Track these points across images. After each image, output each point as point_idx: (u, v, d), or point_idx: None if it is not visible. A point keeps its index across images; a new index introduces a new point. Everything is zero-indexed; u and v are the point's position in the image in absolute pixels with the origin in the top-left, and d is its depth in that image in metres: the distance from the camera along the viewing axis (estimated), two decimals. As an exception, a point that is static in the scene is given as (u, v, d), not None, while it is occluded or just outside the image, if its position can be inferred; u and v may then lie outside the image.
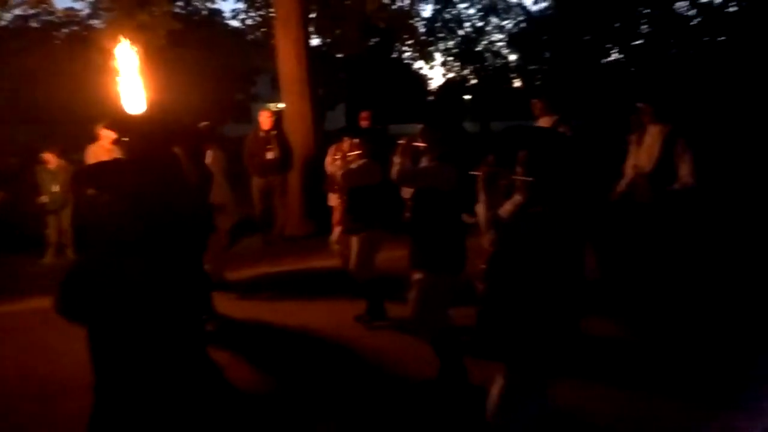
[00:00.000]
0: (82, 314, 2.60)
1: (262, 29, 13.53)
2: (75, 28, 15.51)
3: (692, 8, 22.01)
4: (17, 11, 13.56)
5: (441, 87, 36.76)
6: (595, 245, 5.24)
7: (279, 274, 6.81)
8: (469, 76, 33.83)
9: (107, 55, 3.14)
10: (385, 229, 4.99)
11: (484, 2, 31.57)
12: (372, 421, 3.62)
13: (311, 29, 10.44)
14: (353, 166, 4.88)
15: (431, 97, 38.66)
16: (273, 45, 9.37)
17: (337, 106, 27.01)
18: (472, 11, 31.90)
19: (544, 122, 5.91)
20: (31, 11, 14.29)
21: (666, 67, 21.10)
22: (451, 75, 33.88)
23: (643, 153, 4.84)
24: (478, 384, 3.68)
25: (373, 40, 21.43)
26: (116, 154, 3.14)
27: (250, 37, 15.73)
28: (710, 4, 20.96)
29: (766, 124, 16.83)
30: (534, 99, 6.20)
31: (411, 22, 13.16)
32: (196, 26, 17.29)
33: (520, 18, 31.11)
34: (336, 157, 5.32)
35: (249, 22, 14.69)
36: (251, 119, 14.37)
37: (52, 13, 14.24)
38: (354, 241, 4.92)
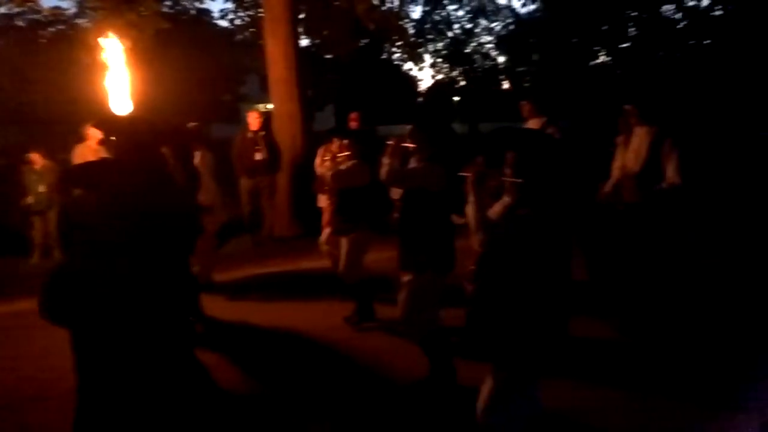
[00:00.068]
0: (65, 316, 2.57)
1: (251, 29, 13.49)
2: (61, 27, 15.37)
3: (679, 12, 22.23)
4: (2, 9, 13.44)
5: (430, 88, 36.87)
6: (583, 246, 5.30)
7: (267, 275, 6.78)
8: (458, 78, 33.98)
9: (94, 54, 3.12)
10: (373, 230, 4.99)
11: (473, 4, 31.71)
12: (361, 422, 3.62)
13: (300, 30, 10.42)
14: (342, 167, 4.87)
15: (420, 99, 38.75)
16: (262, 45, 9.35)
17: (326, 107, 27.01)
18: (461, 13, 32.10)
19: (532, 124, 5.94)
20: (17, 10, 14.14)
21: (653, 70, 21.29)
22: (440, 76, 34.04)
23: (630, 154, 4.88)
24: (468, 385, 3.70)
25: (363, 41, 21.43)
26: (103, 154, 3.11)
27: (239, 37, 15.67)
28: (696, 8, 21.19)
29: (749, 125, 17.06)
30: (523, 101, 6.23)
31: (400, 23, 13.19)
32: (185, 26, 17.20)
33: (509, 20, 31.30)
34: (325, 158, 5.31)
35: (238, 22, 14.63)
36: (240, 120, 14.31)
37: (38, 11, 14.12)
38: (343, 242, 4.91)
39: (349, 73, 26.26)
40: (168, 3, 16.40)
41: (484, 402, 2.66)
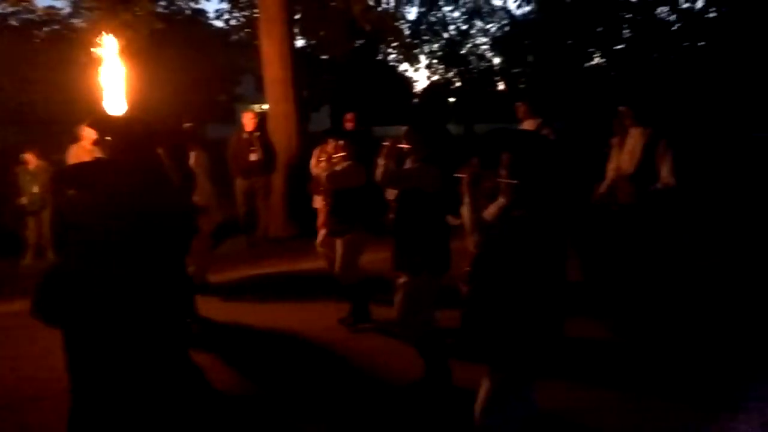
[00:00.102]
0: (58, 316, 2.56)
1: (247, 30, 13.46)
2: (56, 27, 15.29)
3: (673, 14, 22.33)
4: (-4, 9, 13.38)
5: (425, 89, 36.89)
6: (578, 247, 5.32)
7: (262, 276, 6.77)
8: (453, 79, 34.00)
9: (89, 54, 3.11)
10: (369, 231, 4.98)
11: (468, 6, 31.74)
12: (357, 423, 3.61)
13: (296, 30, 10.42)
14: (338, 168, 4.87)
15: (416, 100, 38.77)
16: (257, 46, 9.33)
17: (321, 108, 26.98)
18: (456, 14, 32.10)
19: (528, 125, 5.96)
20: (11, 9, 14.07)
21: (647, 71, 21.37)
22: (435, 77, 34.05)
23: (625, 155, 4.90)
24: (463, 386, 3.70)
25: (358, 42, 21.43)
26: (98, 154, 3.10)
27: (234, 37, 15.63)
28: (691, 10, 21.29)
29: (743, 126, 17.15)
30: (518, 102, 6.25)
31: (396, 24, 13.18)
32: (180, 26, 17.15)
33: (504, 22, 31.33)
34: (321, 159, 5.31)
35: (233, 22, 14.60)
36: (235, 120, 14.28)
37: (32, 11, 14.04)
38: (338, 244, 4.91)
39: (345, 74, 26.23)
40: (163, 3, 16.34)
41: (481, 403, 2.67)
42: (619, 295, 4.89)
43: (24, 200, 7.32)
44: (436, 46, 32.55)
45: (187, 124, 6.22)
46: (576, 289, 3.72)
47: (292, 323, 5.12)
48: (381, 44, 22.45)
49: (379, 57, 30.28)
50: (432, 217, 3.73)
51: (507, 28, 30.89)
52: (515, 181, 2.59)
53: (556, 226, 2.61)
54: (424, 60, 32.02)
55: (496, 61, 32.70)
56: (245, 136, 8.03)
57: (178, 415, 2.84)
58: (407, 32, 22.93)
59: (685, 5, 21.38)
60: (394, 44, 14.83)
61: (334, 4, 11.20)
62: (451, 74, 33.71)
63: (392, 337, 4.54)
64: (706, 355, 4.27)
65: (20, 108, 16.64)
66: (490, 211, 2.78)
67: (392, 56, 28.49)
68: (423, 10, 31.74)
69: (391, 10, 13.11)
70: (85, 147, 6.57)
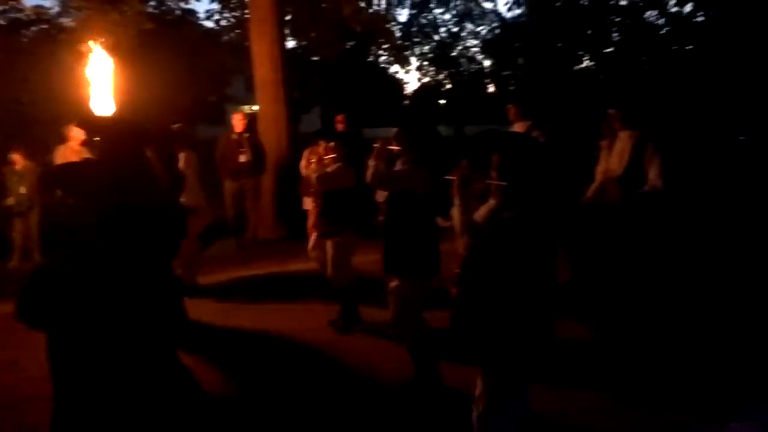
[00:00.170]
0: (42, 320, 2.53)
1: (237, 30, 13.43)
2: (44, 26, 15.16)
3: (661, 18, 22.50)
4: (-17, 8, 13.25)
5: (416, 91, 36.95)
6: (567, 248, 5.34)
7: (252, 277, 6.74)
8: (444, 81, 34.07)
9: (77, 54, 3.09)
10: (359, 232, 4.98)
11: (459, 8, 31.85)
12: (347, 425, 3.61)
13: (287, 31, 10.41)
14: (328, 169, 4.86)
15: (406, 101, 38.81)
16: (248, 47, 9.31)
17: (312, 109, 26.93)
18: (447, 17, 32.18)
19: (518, 127, 5.98)
20: (-1, 8, 13.94)
21: (636, 75, 21.52)
22: (426, 79, 34.11)
23: (614, 158, 4.93)
24: (454, 387, 3.70)
25: (349, 43, 21.40)
26: (86, 155, 3.08)
27: (225, 38, 15.58)
28: (679, 14, 21.45)
29: (731, 130, 17.31)
30: (509, 104, 6.27)
31: (387, 26, 13.21)
32: (169, 26, 17.06)
33: (495, 24, 31.46)
34: (311, 160, 5.30)
35: (223, 23, 14.57)
36: (225, 121, 14.23)
37: (20, 10, 13.92)
38: (329, 246, 4.90)
39: (336, 76, 26.22)
40: (152, 3, 16.25)
41: (477, 406, 2.66)
42: (609, 296, 4.92)
43: (11, 201, 7.25)
44: (426, 48, 32.63)
45: (177, 125, 6.18)
46: (566, 291, 3.73)
47: (282, 325, 5.11)
48: (372, 46, 22.48)
49: (370, 59, 30.27)
50: (422, 219, 3.74)
51: (497, 31, 31.00)
52: (505, 183, 2.60)
53: (545, 228, 2.62)
54: (414, 62, 32.11)
55: (487, 63, 32.84)
56: (234, 137, 8.00)
57: (167, 418, 2.82)
58: (398, 34, 22.95)
59: (674, 9, 21.55)
60: (385, 46, 14.87)
61: (325, 5, 11.20)
62: (441, 76, 33.79)
63: (382, 338, 4.54)
64: (696, 357, 4.30)
65: (7, 107, 16.47)
66: (480, 212, 2.79)
67: (383, 58, 28.51)
68: (414, 12, 31.84)
69: (382, 12, 13.13)
70: (73, 147, 6.53)
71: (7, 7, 13.17)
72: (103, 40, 3.02)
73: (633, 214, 4.74)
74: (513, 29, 28.96)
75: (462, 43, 32.66)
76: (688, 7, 20.76)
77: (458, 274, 2.73)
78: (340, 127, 8.46)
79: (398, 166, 3.85)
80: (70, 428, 2.58)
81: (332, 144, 4.95)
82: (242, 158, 7.94)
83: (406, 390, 3.83)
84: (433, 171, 3.61)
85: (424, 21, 32.25)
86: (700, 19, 20.48)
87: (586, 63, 25.66)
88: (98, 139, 2.77)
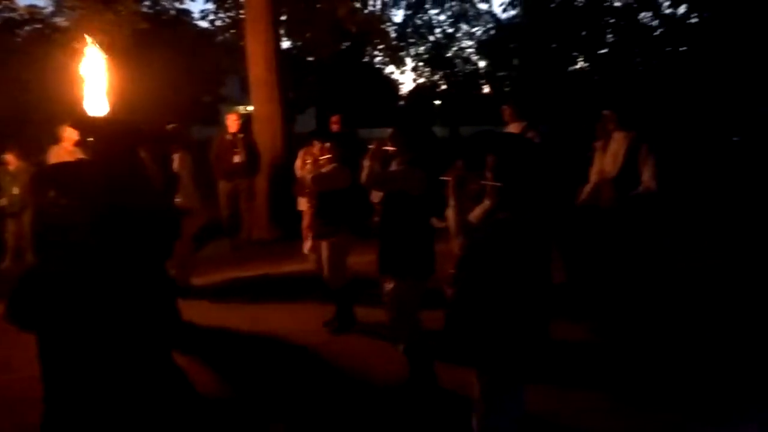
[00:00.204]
0: (34, 322, 2.51)
1: (232, 31, 13.40)
2: (38, 26, 15.09)
3: (655, 19, 22.60)
4: (-23, 8, 13.18)
5: (411, 92, 36.98)
6: (562, 249, 5.35)
7: (246, 278, 6.72)
8: (439, 82, 34.14)
9: (71, 54, 3.07)
10: (354, 233, 4.97)
11: (454, 9, 31.92)
12: (341, 425, 3.60)
13: (282, 32, 10.38)
14: (324, 170, 4.85)
15: (402, 102, 38.84)
16: (243, 47, 9.29)
17: (307, 110, 26.90)
18: (442, 17, 32.29)
19: (513, 128, 5.99)
20: (-8, 8, 13.87)
21: (630, 76, 21.61)
22: (421, 80, 34.16)
23: (608, 159, 4.94)
24: (449, 388, 3.70)
25: (344, 44, 21.40)
26: (79, 155, 3.06)
27: (220, 38, 15.55)
28: (673, 15, 21.55)
29: (724, 131, 17.41)
30: (504, 105, 6.28)
31: (382, 26, 13.22)
32: (164, 26, 17.01)
33: (490, 25, 31.55)
34: (306, 160, 5.29)
35: (218, 23, 14.55)
36: (219, 121, 14.21)
37: (14, 10, 13.85)
38: (323, 246, 4.89)
39: (331, 76, 26.22)
40: (147, 3, 16.21)
41: (476, 407, 2.66)
42: (604, 297, 4.93)
43: (3, 202, 7.20)
44: (422, 48, 32.71)
45: (171, 125, 6.16)
46: (561, 292, 3.73)
47: (276, 326, 5.09)
48: (367, 46, 22.49)
49: (365, 59, 30.29)
50: (417, 219, 3.73)
51: (492, 32, 31.10)
52: (500, 184, 2.60)
53: (540, 229, 2.62)
54: (410, 62, 32.22)
55: (482, 64, 32.95)
56: (229, 137, 7.98)
57: (160, 420, 2.80)
58: (393, 35, 22.99)
59: (668, 11, 21.67)
60: (380, 46, 14.88)
61: (320, 5, 11.19)
62: (436, 77, 33.87)
63: (377, 339, 4.53)
64: (691, 357, 4.31)
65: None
66: (475, 213, 2.78)
67: (378, 58, 28.61)
68: (409, 12, 31.92)
69: (378, 13, 13.16)
70: (66, 148, 6.49)
71: (0, 6, 13.10)
72: (98, 39, 3.00)
73: (627, 215, 4.75)
74: (508, 30, 29.04)
75: (457, 43, 32.77)
76: (682, 9, 20.87)
77: (453, 275, 2.72)
78: (335, 127, 8.47)
79: (393, 166, 3.85)
80: (60, 429, 2.56)
81: (327, 144, 4.94)
82: (236, 159, 7.92)
83: (401, 391, 3.82)
84: (428, 172, 3.61)
85: (419, 22, 32.34)
86: (693, 20, 20.57)
87: (580, 64, 25.76)
88: (91, 139, 2.76)
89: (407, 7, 31.71)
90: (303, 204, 5.61)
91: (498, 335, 2.54)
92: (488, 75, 32.53)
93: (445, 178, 2.85)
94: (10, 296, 2.53)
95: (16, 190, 7.17)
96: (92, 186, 2.57)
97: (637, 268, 4.81)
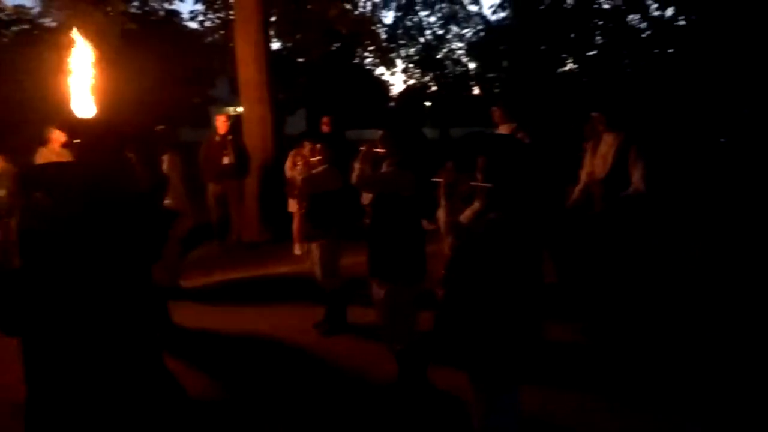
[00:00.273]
0: (18, 326, 2.47)
1: (221, 31, 13.34)
2: (25, 26, 14.98)
3: (643, 22, 22.77)
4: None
5: (402, 93, 37.02)
6: (552, 250, 5.37)
7: (236, 280, 6.70)
8: (429, 83, 34.18)
9: (59, 54, 3.04)
10: (344, 235, 4.96)
11: (444, 11, 32.00)
12: (333, 426, 3.59)
13: (272, 33, 10.36)
14: (314, 171, 4.84)
15: (392, 103, 38.86)
16: (232, 48, 9.24)
17: (297, 111, 26.83)
18: (432, 19, 32.33)
19: (503, 129, 6.00)
20: (-22, 8, 13.73)
21: (619, 77, 21.76)
22: (411, 81, 34.19)
23: (597, 160, 4.95)
24: (441, 389, 3.70)
25: (335, 45, 21.38)
26: (67, 157, 3.03)
27: (209, 39, 15.48)
28: (661, 18, 21.72)
29: (712, 132, 17.56)
30: (494, 107, 6.29)
31: (373, 28, 13.22)
32: (153, 27, 16.92)
33: (480, 27, 31.63)
34: (297, 162, 5.27)
35: (208, 24, 14.46)
36: (209, 123, 14.14)
37: (1, 9, 13.73)
38: (314, 248, 4.87)
39: (321, 77, 26.16)
40: (136, 4, 16.11)
41: (475, 409, 2.65)
42: (596, 297, 4.94)
43: (-10, 204, 7.11)
44: (412, 50, 32.74)
45: (160, 127, 6.11)
46: (551, 292, 3.74)
47: (266, 327, 5.07)
48: (357, 48, 22.45)
49: (356, 60, 30.25)
50: (407, 221, 3.72)
51: (482, 34, 31.18)
52: (490, 185, 2.60)
53: (531, 229, 2.63)
54: (400, 64, 32.23)
55: (472, 65, 33.01)
56: (218, 139, 7.94)
57: (150, 423, 2.77)
58: (384, 36, 22.97)
59: (656, 13, 21.84)
60: (371, 48, 14.88)
61: (310, 7, 11.17)
62: (427, 78, 33.91)
63: (368, 340, 4.52)
64: (684, 357, 4.33)
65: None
66: (466, 214, 2.78)
67: (368, 60, 28.51)
68: (399, 14, 31.95)
69: (368, 14, 13.15)
70: (54, 149, 6.43)
71: (-14, 7, 12.98)
72: (85, 40, 2.97)
73: (617, 216, 4.77)
74: (498, 32, 29.13)
75: (447, 45, 32.83)
76: (669, 11, 21.03)
77: (443, 276, 2.72)
78: (325, 129, 8.45)
79: (384, 168, 3.84)
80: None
81: (318, 146, 4.92)
82: (225, 160, 7.88)
83: (392, 392, 3.81)
84: (419, 173, 3.60)
85: (409, 23, 32.37)
86: (681, 23, 20.75)
87: (569, 66, 25.88)
88: (78, 141, 2.73)
89: (397, 9, 31.76)
90: (293, 205, 5.59)
91: (488, 337, 2.53)
92: (478, 77, 32.62)
93: (435, 180, 2.85)
94: None
95: (1, 193, 7.09)
96: (78, 187, 2.54)
97: (628, 269, 4.83)
